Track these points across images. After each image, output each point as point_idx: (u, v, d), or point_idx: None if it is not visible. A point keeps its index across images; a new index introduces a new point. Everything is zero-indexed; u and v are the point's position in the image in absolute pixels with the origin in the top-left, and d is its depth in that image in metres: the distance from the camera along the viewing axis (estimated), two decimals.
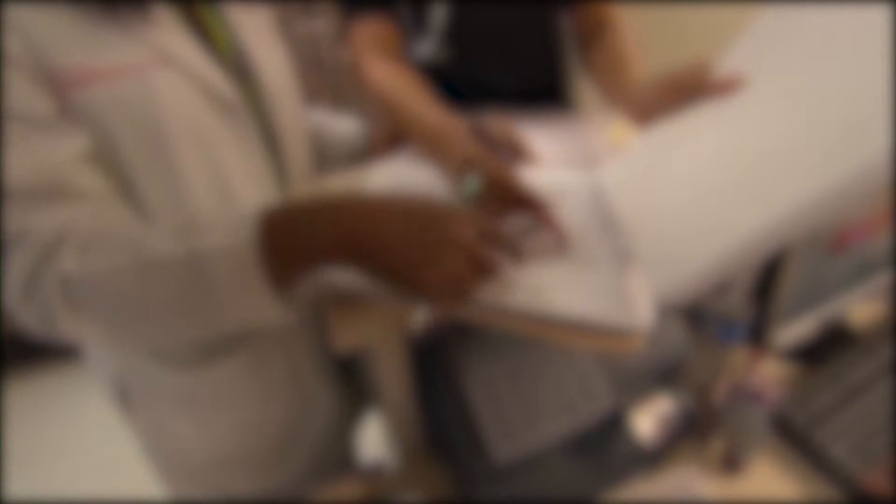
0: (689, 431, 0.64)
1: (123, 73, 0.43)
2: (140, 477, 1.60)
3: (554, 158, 0.66)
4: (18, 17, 0.40)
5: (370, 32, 0.81)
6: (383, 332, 0.53)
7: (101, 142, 0.44)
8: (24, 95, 0.41)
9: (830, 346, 0.76)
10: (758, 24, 0.50)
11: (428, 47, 0.81)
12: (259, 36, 0.56)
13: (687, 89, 0.53)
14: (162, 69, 0.45)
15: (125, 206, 0.46)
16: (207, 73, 0.48)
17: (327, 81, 1.93)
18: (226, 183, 0.51)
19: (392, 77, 0.75)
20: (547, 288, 0.44)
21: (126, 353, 0.58)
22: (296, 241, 0.41)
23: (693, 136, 0.52)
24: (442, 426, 0.60)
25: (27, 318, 0.43)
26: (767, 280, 0.64)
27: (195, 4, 0.50)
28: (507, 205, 0.52)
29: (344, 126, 0.73)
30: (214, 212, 0.43)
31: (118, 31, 0.43)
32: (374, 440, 0.87)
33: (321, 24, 1.88)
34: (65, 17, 0.41)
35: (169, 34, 0.46)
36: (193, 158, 0.47)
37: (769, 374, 0.71)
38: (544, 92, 0.91)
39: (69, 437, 1.70)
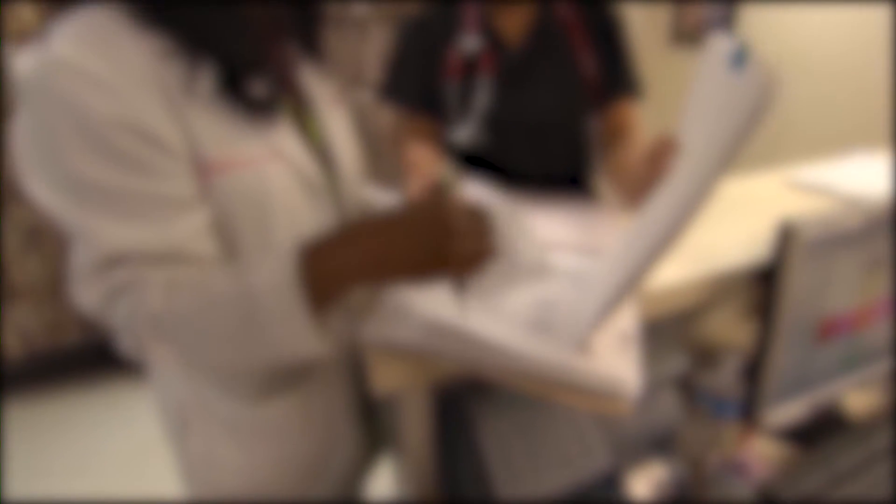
0: (683, 500, 0.68)
1: (249, 164, 0.55)
2: (139, 477, 1.61)
3: (566, 243, 0.76)
4: (184, 112, 0.51)
5: (413, 125, 0.97)
6: (419, 378, 0.60)
7: (222, 217, 0.55)
8: (176, 180, 0.51)
9: (824, 429, 0.79)
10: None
11: (468, 131, 0.94)
12: (339, 130, 0.70)
13: (657, 161, 0.59)
14: (274, 161, 0.57)
15: (225, 262, 0.56)
16: (304, 163, 0.60)
17: (369, 148, 2.10)
18: None
19: (426, 155, 0.90)
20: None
21: (192, 382, 0.67)
22: (328, 269, 0.49)
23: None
24: (455, 471, 0.67)
25: (122, 341, 0.54)
26: (756, 362, 0.70)
27: (300, 109, 0.64)
28: None
29: (389, 199, 0.86)
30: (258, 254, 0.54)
31: (250, 129, 0.55)
32: (386, 482, 0.92)
33: (366, 95, 2.09)
34: (218, 116, 0.53)
35: (281, 133, 0.58)
36: (286, 231, 0.58)
37: (758, 451, 0.75)
38: (569, 182, 1.02)
39: (70, 438, 1.75)
